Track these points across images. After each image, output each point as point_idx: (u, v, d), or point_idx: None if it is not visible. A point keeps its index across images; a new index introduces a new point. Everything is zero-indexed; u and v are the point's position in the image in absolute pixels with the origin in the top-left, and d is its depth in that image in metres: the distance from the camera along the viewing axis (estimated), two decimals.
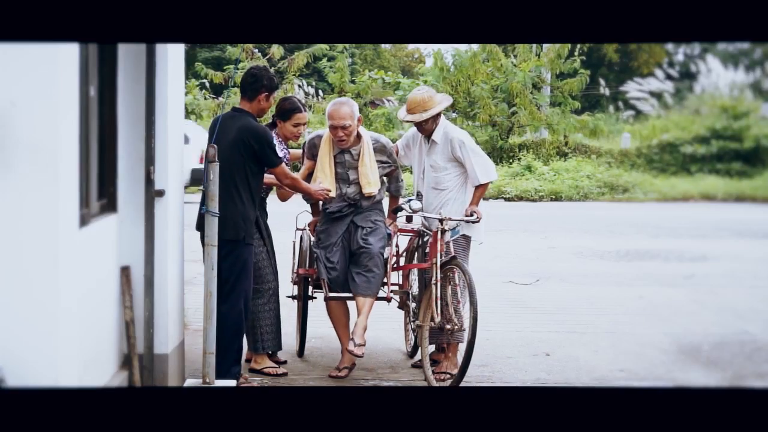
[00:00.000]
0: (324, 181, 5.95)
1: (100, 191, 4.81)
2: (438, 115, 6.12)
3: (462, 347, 5.76)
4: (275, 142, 5.85)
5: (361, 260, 5.95)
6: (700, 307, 8.44)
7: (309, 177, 6.14)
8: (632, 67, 28.13)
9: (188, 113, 17.54)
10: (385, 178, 6.20)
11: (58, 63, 3.68)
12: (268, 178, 5.82)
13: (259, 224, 5.80)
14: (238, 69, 20.16)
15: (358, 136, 6.00)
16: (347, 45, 25.38)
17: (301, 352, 6.47)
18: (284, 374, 5.96)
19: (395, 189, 6.32)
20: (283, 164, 5.69)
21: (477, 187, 6.14)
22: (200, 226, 5.43)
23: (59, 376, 3.71)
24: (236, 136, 5.45)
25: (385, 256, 6.04)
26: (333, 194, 5.98)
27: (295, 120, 6.07)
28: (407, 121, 6.13)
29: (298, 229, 6.54)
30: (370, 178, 5.98)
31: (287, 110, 6.09)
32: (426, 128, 6.14)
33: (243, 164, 5.42)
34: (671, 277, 9.93)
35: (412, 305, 6.30)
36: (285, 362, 6.25)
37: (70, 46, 3.80)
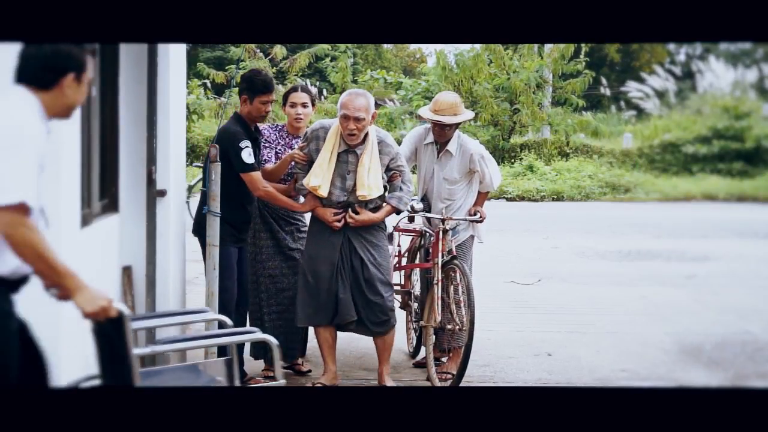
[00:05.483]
0: (319, 176, 5.30)
1: (101, 191, 4.81)
2: (458, 123, 6.04)
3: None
4: (278, 139, 5.73)
5: (372, 310, 5.48)
6: (702, 307, 8.44)
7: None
8: (634, 67, 28.13)
9: (190, 113, 17.52)
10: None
11: None
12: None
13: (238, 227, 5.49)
14: (239, 69, 20.14)
15: (365, 135, 5.39)
16: (349, 45, 25.40)
17: (303, 352, 6.46)
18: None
19: (395, 200, 5.51)
20: (254, 173, 5.26)
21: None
22: (196, 229, 5.38)
23: (60, 376, 3.71)
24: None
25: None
26: (324, 193, 5.34)
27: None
28: (434, 121, 5.89)
29: None
30: (365, 181, 5.32)
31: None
32: (446, 133, 6.00)
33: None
34: (673, 277, 9.93)
35: (414, 305, 6.30)
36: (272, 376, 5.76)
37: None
